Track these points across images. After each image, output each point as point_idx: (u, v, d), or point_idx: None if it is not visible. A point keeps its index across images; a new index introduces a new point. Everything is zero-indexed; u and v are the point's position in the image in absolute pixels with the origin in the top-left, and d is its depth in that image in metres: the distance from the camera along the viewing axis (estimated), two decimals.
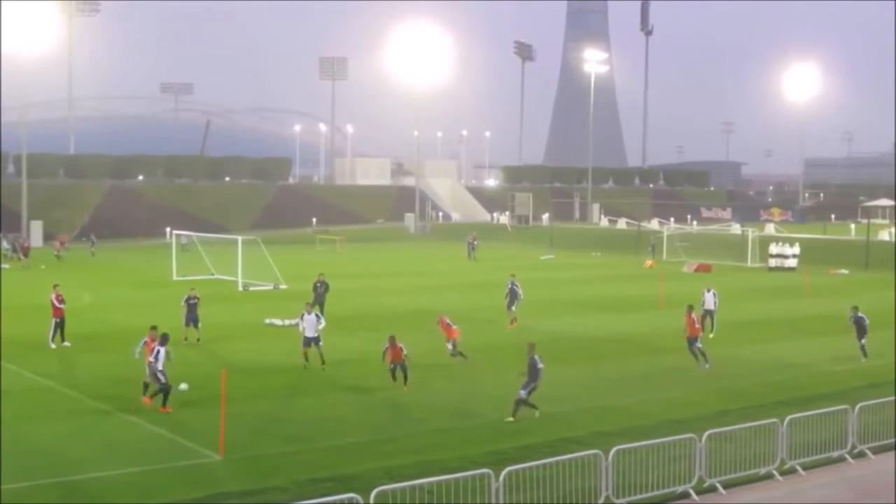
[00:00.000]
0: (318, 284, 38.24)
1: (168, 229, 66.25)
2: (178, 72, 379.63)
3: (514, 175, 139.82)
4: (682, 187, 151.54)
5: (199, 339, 31.95)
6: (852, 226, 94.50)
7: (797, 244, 67.62)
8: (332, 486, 16.80)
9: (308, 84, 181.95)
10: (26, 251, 64.05)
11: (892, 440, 20.78)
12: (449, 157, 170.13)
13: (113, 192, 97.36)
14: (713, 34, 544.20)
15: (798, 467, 19.24)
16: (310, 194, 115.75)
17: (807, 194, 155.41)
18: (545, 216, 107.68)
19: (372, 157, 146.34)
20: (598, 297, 47.95)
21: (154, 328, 24.03)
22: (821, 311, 42.94)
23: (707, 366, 28.94)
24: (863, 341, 30.28)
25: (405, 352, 25.26)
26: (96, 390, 25.10)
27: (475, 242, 72.80)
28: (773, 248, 66.87)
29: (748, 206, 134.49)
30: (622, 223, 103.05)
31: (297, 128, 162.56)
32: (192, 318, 32.19)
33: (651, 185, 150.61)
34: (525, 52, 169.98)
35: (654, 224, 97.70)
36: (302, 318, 28.59)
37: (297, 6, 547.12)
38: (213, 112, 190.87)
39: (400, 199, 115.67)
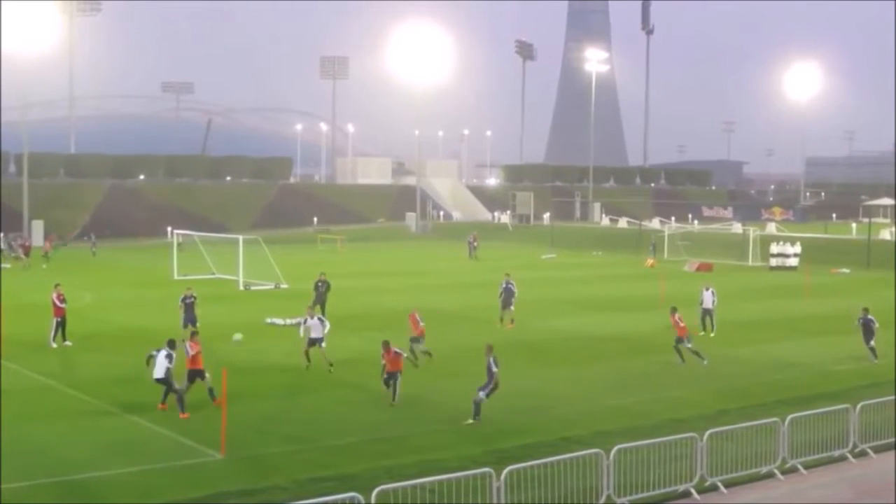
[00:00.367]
0: (320, 284, 38.24)
1: (169, 229, 66.27)
2: (179, 71, 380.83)
3: (515, 174, 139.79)
4: (684, 186, 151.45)
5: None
6: (853, 225, 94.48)
7: (798, 243, 67.61)
8: (334, 486, 16.80)
9: (309, 83, 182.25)
10: (27, 250, 64.07)
11: (893, 439, 20.77)
12: (450, 157, 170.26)
13: (114, 191, 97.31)
14: (714, 34, 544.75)
15: (799, 466, 19.23)
16: (311, 194, 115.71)
17: (808, 193, 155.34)
18: (546, 215, 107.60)
19: (373, 156, 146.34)
20: (599, 297, 47.94)
21: (195, 333, 23.94)
22: (822, 310, 42.94)
23: (706, 362, 29.06)
24: (871, 343, 30.15)
25: (405, 355, 24.63)
26: (97, 390, 25.10)
27: (476, 242, 72.80)
28: (775, 248, 66.85)
29: (749, 206, 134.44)
30: (623, 222, 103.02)
31: (299, 127, 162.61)
32: (190, 319, 32.17)
33: (652, 185, 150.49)
34: (526, 51, 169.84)
35: (655, 223, 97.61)
36: (305, 322, 28.52)
37: (299, 5, 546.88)
38: (214, 111, 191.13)
39: (401, 199, 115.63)
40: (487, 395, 22.32)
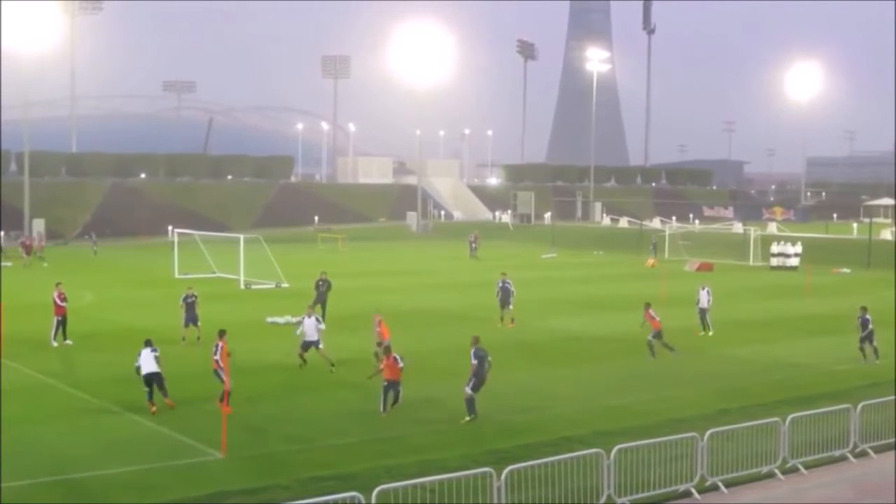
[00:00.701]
0: (321, 283, 38.24)
1: (170, 228, 66.28)
2: (181, 70, 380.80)
3: (516, 174, 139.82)
4: (685, 186, 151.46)
5: (199, 338, 31.90)
6: (854, 225, 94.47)
7: (799, 243, 67.60)
8: (334, 485, 16.79)
9: (310, 82, 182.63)
10: (29, 249, 64.13)
11: (894, 439, 20.76)
12: (451, 156, 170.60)
13: (115, 190, 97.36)
14: (715, 34, 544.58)
15: (800, 466, 19.22)
16: (312, 193, 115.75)
17: (809, 193, 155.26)
18: (547, 215, 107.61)
19: (374, 155, 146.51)
20: (600, 296, 47.92)
21: (222, 331, 23.85)
22: (822, 310, 42.92)
23: (674, 352, 30.01)
24: (874, 343, 30.04)
25: (401, 365, 22.59)
26: (98, 389, 25.10)
27: (477, 242, 72.80)
28: (775, 247, 66.84)
29: (750, 205, 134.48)
30: (624, 222, 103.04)
31: (300, 126, 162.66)
32: (191, 318, 32.16)
33: (653, 184, 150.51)
34: (527, 50, 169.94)
35: (656, 223, 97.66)
36: (302, 321, 28.56)
37: (300, 5, 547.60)
38: (215, 110, 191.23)
39: (402, 198, 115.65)
40: (472, 390, 22.24)
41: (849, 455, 20.07)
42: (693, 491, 17.67)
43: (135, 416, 22.49)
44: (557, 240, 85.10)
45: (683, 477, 17.72)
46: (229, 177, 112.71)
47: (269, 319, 37.31)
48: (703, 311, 35.54)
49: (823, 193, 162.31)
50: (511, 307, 37.12)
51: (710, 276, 57.50)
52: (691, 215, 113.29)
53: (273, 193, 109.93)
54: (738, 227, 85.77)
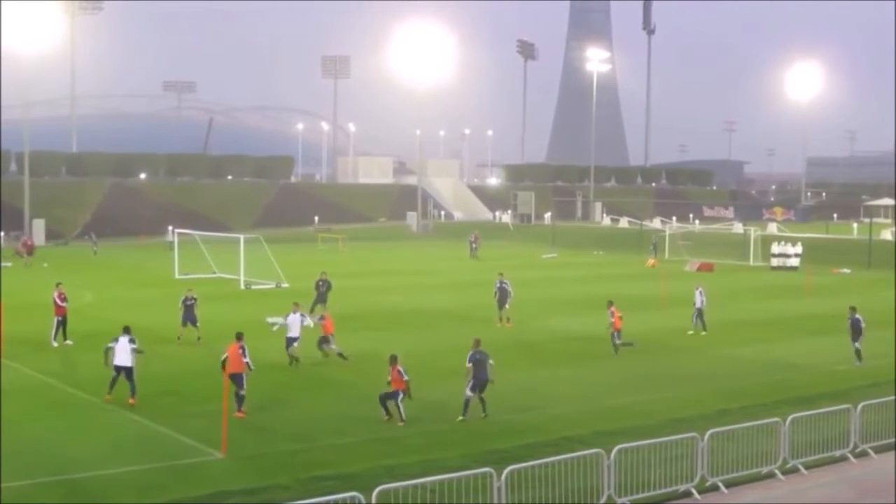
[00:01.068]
0: (321, 283, 38.24)
1: (170, 228, 66.29)
2: (181, 70, 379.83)
3: (517, 174, 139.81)
4: (685, 186, 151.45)
5: (199, 338, 31.92)
6: (854, 225, 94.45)
7: (799, 243, 67.60)
8: (334, 485, 16.79)
9: (311, 82, 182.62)
10: (30, 249, 64.16)
11: (894, 439, 20.75)
12: (451, 156, 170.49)
13: (115, 190, 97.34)
14: (715, 33, 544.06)
15: (800, 466, 19.22)
16: (312, 193, 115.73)
17: (809, 193, 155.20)
18: (547, 215, 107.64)
19: (374, 155, 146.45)
20: (600, 296, 47.57)
21: (240, 335, 23.55)
22: (823, 310, 42.89)
23: (634, 344, 31.24)
24: (857, 344, 29.77)
25: (406, 378, 22.15)
26: (98, 388, 24.96)
27: (477, 242, 72.80)
28: (776, 248, 66.83)
29: (750, 206, 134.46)
30: (624, 222, 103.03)
31: (300, 126, 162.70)
32: (189, 319, 32.14)
33: (653, 184, 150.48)
34: (527, 50, 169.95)
35: (656, 223, 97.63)
36: (286, 317, 28.53)
37: (300, 5, 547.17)
38: (215, 110, 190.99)
39: (402, 198, 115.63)
40: (471, 390, 22.37)
41: (849, 455, 20.07)
42: (693, 491, 17.67)
43: (135, 416, 22.48)
44: (558, 240, 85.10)
45: (684, 477, 17.71)
46: (229, 177, 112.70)
47: (270, 320, 37.23)
48: (698, 312, 35.64)
49: (824, 194, 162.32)
50: (507, 307, 37.14)
51: (711, 276, 57.59)
52: (691, 215, 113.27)
53: (273, 193, 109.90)
54: (738, 228, 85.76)
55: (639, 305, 44.28)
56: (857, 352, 29.77)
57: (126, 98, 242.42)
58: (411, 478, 15.93)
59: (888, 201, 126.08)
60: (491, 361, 22.63)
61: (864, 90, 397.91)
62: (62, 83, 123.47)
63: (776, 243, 68.20)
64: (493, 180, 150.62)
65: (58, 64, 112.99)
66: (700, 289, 36.13)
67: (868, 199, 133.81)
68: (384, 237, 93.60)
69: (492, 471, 15.63)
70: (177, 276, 51.29)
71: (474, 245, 72.22)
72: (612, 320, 31.03)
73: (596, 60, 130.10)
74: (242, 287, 48.23)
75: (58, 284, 32.42)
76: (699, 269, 62.57)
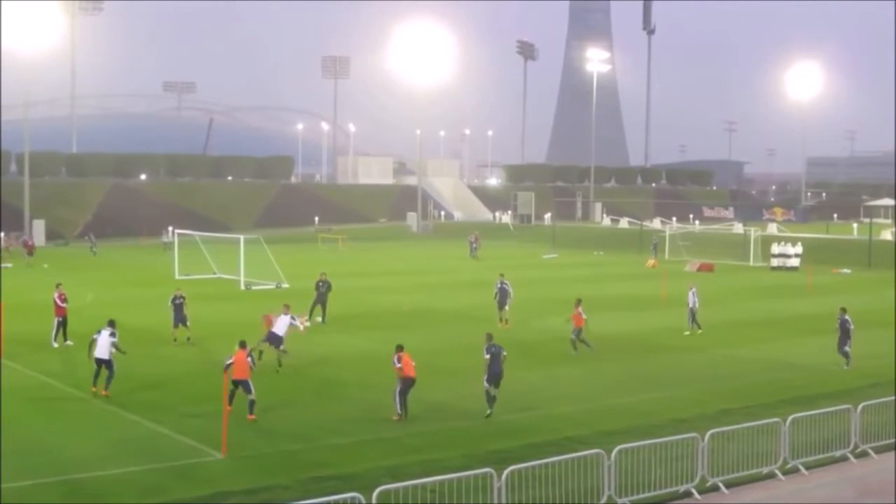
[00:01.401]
0: (321, 283, 38.23)
1: (169, 228, 66.27)
2: (181, 70, 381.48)
3: (517, 174, 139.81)
4: (685, 186, 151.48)
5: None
6: (855, 225, 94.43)
7: (799, 243, 67.59)
8: (335, 485, 16.79)
9: (311, 83, 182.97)
10: (31, 249, 64.20)
11: (895, 440, 20.75)
12: (451, 156, 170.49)
13: (115, 190, 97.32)
14: (715, 33, 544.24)
15: (800, 466, 19.21)
16: (312, 193, 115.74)
17: (809, 194, 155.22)
18: (547, 215, 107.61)
19: (374, 155, 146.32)
20: (600, 297, 47.77)
21: (244, 343, 23.22)
22: (823, 310, 42.75)
23: (590, 346, 30.57)
24: (846, 348, 29.62)
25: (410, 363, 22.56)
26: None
27: (477, 242, 72.80)
28: (776, 248, 66.82)
29: (750, 206, 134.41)
30: (624, 222, 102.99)
31: (300, 126, 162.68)
32: (179, 319, 32.08)
33: (653, 185, 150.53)
34: (527, 51, 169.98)
35: (656, 223, 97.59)
36: (277, 318, 28.22)
37: (301, 5, 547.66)
38: (215, 111, 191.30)
39: (402, 198, 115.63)
40: (488, 382, 22.83)
41: (849, 455, 20.07)
42: (694, 491, 17.67)
43: (135, 416, 22.48)
44: (558, 240, 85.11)
45: (684, 477, 17.71)
46: (230, 177, 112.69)
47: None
48: (690, 312, 35.69)
49: (824, 194, 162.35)
50: (507, 308, 37.15)
51: (711, 276, 57.61)
52: (691, 216, 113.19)
53: (273, 194, 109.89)
54: (738, 228, 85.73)
55: (639, 305, 44.33)
56: (846, 354, 29.58)
57: (126, 98, 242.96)
58: (412, 478, 15.92)
59: (888, 201, 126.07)
60: (504, 353, 23.16)
61: (864, 90, 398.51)
62: (62, 83, 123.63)
63: (776, 243, 68.20)
64: (494, 180, 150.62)
65: (58, 64, 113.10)
66: (693, 289, 36.14)
67: (868, 200, 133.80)
68: (384, 237, 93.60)
69: (492, 471, 15.63)
70: (177, 276, 51.25)
71: (474, 245, 72.23)
72: (573, 315, 31.09)
73: (596, 60, 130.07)
74: (243, 287, 48.21)
75: (58, 285, 32.41)
76: (699, 269, 62.55)
